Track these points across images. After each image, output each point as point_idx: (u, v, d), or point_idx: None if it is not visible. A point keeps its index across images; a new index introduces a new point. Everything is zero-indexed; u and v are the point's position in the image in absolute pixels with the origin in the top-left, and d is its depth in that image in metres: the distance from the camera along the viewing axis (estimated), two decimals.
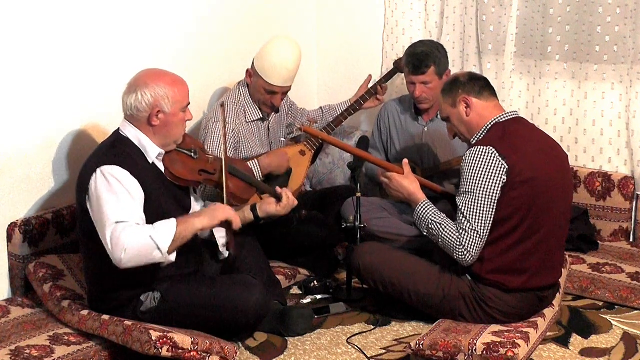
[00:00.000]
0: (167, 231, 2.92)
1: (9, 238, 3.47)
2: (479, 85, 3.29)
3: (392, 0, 4.78)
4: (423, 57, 3.97)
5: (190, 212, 3.29)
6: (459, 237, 3.14)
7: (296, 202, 3.45)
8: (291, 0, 4.94)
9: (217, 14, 4.42)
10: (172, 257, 2.96)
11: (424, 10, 4.71)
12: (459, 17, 4.60)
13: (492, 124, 3.25)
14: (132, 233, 2.86)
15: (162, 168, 3.15)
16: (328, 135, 4.20)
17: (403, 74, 4.19)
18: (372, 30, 4.91)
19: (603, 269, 3.85)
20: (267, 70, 3.91)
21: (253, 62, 3.99)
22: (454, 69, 4.62)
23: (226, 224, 3.13)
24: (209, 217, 3.06)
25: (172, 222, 2.96)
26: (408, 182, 3.36)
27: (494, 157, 3.11)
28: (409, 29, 4.74)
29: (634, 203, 4.24)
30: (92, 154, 3.11)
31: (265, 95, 3.98)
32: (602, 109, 4.28)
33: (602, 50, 4.20)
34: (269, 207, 3.40)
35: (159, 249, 2.89)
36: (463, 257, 3.15)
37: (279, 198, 3.40)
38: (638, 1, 4.06)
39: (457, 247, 3.14)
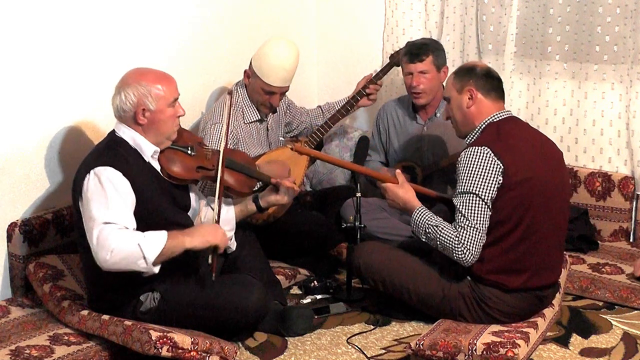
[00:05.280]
0: (156, 243, 2.90)
1: (9, 238, 3.47)
2: (492, 84, 3.27)
3: (392, 0, 4.78)
4: (421, 46, 4.08)
5: (190, 211, 3.30)
6: (457, 235, 3.13)
7: (298, 190, 3.48)
8: (291, 1, 4.94)
9: (217, 14, 4.42)
10: (156, 269, 2.94)
11: (424, 10, 4.71)
12: (459, 17, 4.60)
13: (486, 123, 3.24)
14: (121, 236, 2.86)
15: (158, 168, 3.14)
16: (321, 137, 4.28)
17: (400, 69, 4.20)
18: (372, 31, 4.91)
19: (603, 269, 3.85)
20: (265, 71, 3.91)
21: (251, 63, 3.99)
22: (454, 69, 4.61)
23: (212, 248, 3.06)
24: (200, 240, 3.01)
25: (163, 234, 2.93)
26: (403, 192, 3.36)
27: (489, 157, 3.10)
28: (409, 29, 4.74)
29: (634, 203, 4.24)
30: (86, 157, 3.11)
31: (263, 95, 3.98)
32: (602, 109, 4.27)
33: (602, 50, 4.20)
34: (270, 197, 3.42)
35: (144, 258, 2.88)
36: (463, 256, 3.14)
37: (276, 188, 3.42)
38: (638, 1, 4.06)
39: (457, 246, 3.13)
